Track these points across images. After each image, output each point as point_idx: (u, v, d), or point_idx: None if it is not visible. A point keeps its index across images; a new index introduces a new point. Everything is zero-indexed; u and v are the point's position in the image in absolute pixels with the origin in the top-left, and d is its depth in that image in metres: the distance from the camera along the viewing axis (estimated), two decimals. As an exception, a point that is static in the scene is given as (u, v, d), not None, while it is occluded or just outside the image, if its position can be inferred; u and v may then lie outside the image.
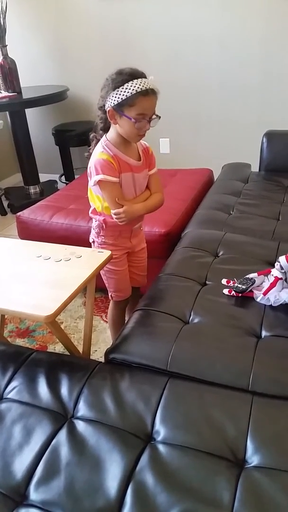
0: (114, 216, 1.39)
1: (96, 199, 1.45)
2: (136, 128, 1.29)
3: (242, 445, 0.89)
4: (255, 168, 2.57)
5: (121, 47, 3.22)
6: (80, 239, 1.93)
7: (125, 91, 1.24)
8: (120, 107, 1.27)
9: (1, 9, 2.97)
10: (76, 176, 3.42)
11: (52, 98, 3.17)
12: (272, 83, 2.96)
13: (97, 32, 3.26)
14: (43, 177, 3.69)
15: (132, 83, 1.23)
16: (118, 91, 1.25)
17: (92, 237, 1.57)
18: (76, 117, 3.55)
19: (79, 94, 3.44)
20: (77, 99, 3.46)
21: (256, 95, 3.03)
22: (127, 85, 1.24)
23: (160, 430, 0.94)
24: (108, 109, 1.30)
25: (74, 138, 3.30)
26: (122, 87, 1.24)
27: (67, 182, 3.48)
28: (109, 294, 1.66)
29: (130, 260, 1.62)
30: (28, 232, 2.19)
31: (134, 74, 1.25)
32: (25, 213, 2.23)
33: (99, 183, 1.36)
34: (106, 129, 1.40)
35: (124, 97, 1.24)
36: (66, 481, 0.84)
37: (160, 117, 1.32)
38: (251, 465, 0.86)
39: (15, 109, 3.24)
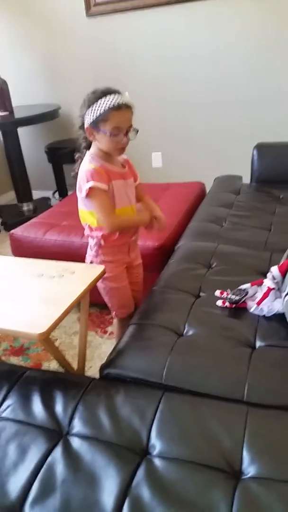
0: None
1: (90, 215, 1.46)
2: (113, 142, 1.34)
3: (238, 456, 0.89)
4: (246, 180, 2.60)
5: (111, 64, 3.28)
6: (73, 255, 1.94)
7: (98, 108, 1.30)
8: (96, 124, 1.32)
9: (-8, 31, 3.02)
10: (69, 193, 3.45)
11: (44, 117, 3.21)
12: (261, 97, 3.02)
13: (87, 50, 3.33)
14: (37, 194, 3.72)
15: (105, 99, 1.29)
16: (92, 108, 1.31)
17: (89, 258, 1.55)
18: (68, 134, 3.58)
19: (71, 112, 3.48)
20: (69, 117, 3.50)
21: (246, 109, 3.08)
22: (100, 102, 1.29)
23: (156, 444, 0.93)
24: (86, 127, 1.35)
25: (67, 155, 3.30)
26: (95, 103, 1.30)
27: (60, 198, 3.51)
28: (112, 312, 1.65)
29: (127, 277, 1.61)
30: (22, 250, 2.20)
31: (107, 91, 1.30)
32: (18, 231, 2.24)
33: (90, 191, 1.36)
34: (89, 147, 1.44)
35: (98, 114, 1.30)
36: (62, 498, 0.83)
37: (137, 130, 1.36)
38: (247, 476, 0.85)
39: (8, 129, 3.27)
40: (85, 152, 1.44)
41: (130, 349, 1.25)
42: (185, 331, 1.30)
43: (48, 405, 1.06)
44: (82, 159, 1.46)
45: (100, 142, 1.37)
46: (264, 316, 1.31)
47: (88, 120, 1.33)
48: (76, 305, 1.28)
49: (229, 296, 1.38)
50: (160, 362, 1.16)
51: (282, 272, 1.30)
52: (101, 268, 1.41)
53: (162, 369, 1.14)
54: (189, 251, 1.79)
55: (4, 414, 1.05)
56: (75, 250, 2.03)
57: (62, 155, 3.36)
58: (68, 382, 1.16)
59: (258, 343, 1.22)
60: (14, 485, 0.86)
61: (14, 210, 3.61)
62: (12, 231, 2.25)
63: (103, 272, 1.41)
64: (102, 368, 1.20)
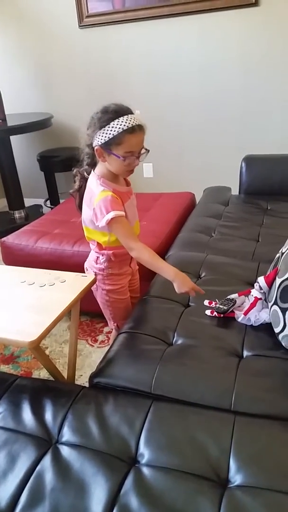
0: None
1: (101, 234, 1.42)
2: (125, 165, 1.30)
3: (225, 465, 0.90)
4: (235, 191, 2.64)
5: (104, 75, 3.32)
6: (65, 264, 1.96)
7: (111, 130, 1.24)
8: (107, 146, 1.27)
9: (-14, 40, 3.05)
10: (61, 201, 3.46)
11: (37, 125, 3.23)
12: (249, 111, 3.07)
13: (79, 60, 3.36)
14: (28, 202, 3.73)
15: (118, 121, 1.23)
16: (104, 130, 1.25)
17: (93, 270, 1.51)
18: (60, 143, 3.61)
19: (63, 121, 3.52)
20: (61, 126, 3.53)
21: (235, 122, 3.14)
22: (113, 124, 1.23)
23: (144, 453, 0.95)
24: (95, 147, 1.29)
25: (59, 163, 3.35)
26: (108, 126, 1.24)
27: (52, 206, 3.52)
28: (114, 324, 1.64)
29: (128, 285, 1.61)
30: (13, 257, 2.20)
31: (119, 112, 1.25)
32: (10, 238, 2.24)
33: (112, 221, 1.30)
34: (92, 165, 1.40)
35: (111, 136, 1.24)
36: (51, 507, 0.84)
37: (148, 151, 1.32)
38: (234, 484, 0.87)
39: (0, 136, 3.28)
40: (86, 169, 1.41)
41: (119, 358, 1.26)
42: (174, 340, 1.32)
43: (38, 413, 1.07)
44: (81, 175, 1.43)
45: (110, 164, 1.32)
46: (251, 325, 1.34)
47: (98, 141, 1.27)
48: (67, 313, 1.29)
49: (217, 306, 1.41)
50: (149, 371, 1.18)
51: (268, 283, 1.33)
52: (91, 277, 1.43)
53: (151, 378, 1.15)
54: (179, 260, 1.81)
55: (-7, 423, 1.06)
56: (67, 258, 2.04)
57: (54, 163, 3.38)
58: (58, 390, 1.17)
59: (245, 353, 1.25)
60: (4, 493, 0.87)
61: (6, 218, 3.61)
62: (3, 238, 2.26)
63: (94, 281, 1.43)
64: (92, 377, 1.22)
